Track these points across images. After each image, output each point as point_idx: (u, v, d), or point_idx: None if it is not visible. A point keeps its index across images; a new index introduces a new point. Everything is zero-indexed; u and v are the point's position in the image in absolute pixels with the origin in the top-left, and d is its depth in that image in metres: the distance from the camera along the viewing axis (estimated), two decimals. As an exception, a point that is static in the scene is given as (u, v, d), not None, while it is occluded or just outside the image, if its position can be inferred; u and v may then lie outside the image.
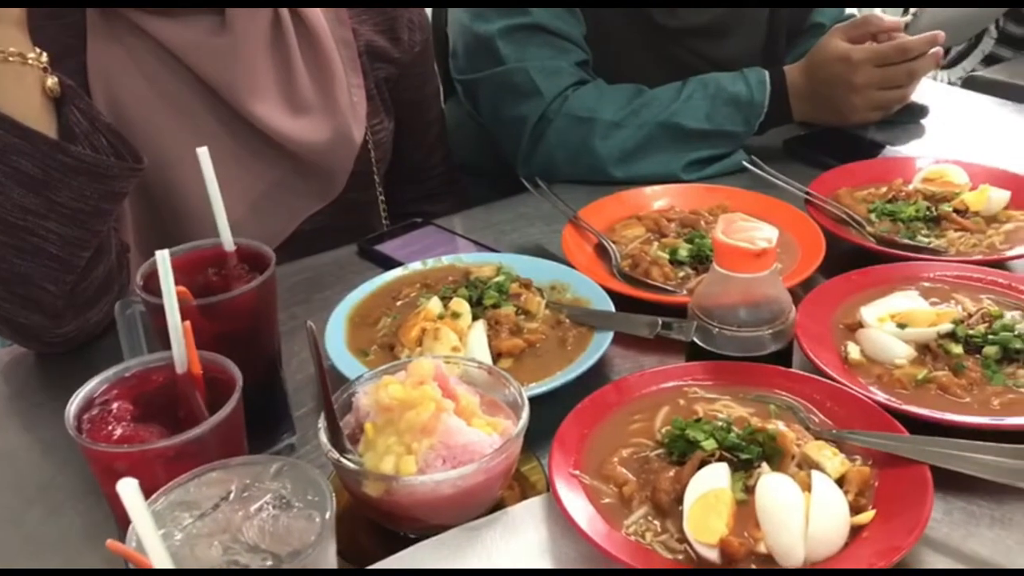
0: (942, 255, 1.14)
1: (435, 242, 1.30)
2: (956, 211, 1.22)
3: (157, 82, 1.19)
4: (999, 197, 1.23)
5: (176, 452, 0.64)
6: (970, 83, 2.00)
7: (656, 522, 0.75)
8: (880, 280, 1.06)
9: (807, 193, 1.26)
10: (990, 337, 0.93)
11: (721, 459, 0.78)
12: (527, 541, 0.75)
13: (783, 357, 0.92)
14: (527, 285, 1.06)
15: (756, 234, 0.87)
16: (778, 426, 0.80)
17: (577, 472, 0.79)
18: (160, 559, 0.51)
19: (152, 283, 0.77)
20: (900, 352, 0.93)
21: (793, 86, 1.48)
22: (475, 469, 0.72)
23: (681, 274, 1.13)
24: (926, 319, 0.96)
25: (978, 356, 0.92)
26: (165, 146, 1.18)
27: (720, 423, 0.81)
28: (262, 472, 0.61)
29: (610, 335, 0.98)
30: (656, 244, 1.19)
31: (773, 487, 0.73)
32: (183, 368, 0.71)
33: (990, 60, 2.54)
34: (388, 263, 1.22)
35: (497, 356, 0.96)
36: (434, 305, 1.00)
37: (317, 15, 1.27)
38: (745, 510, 0.73)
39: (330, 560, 0.59)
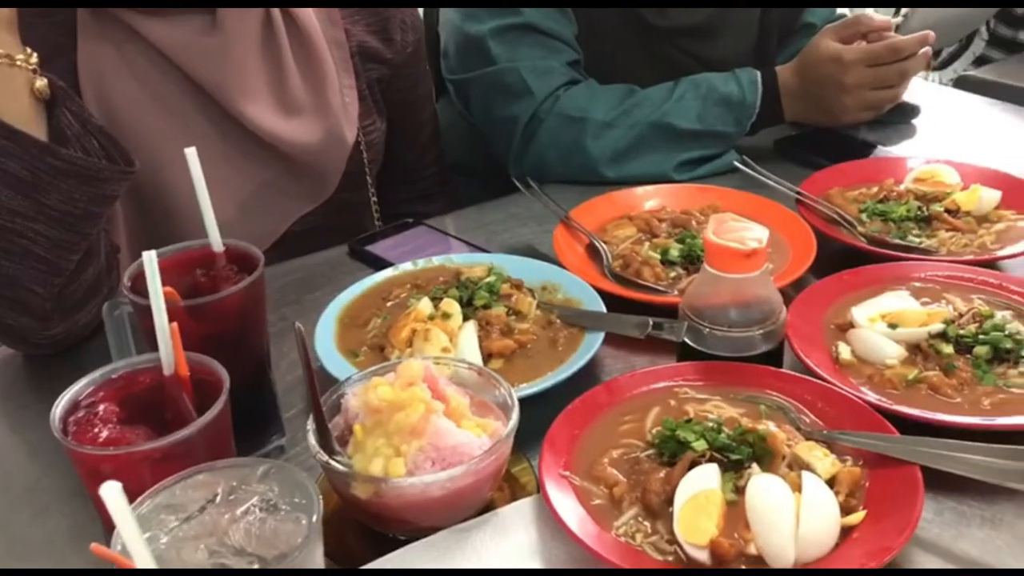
0: (933, 255, 1.14)
1: (426, 242, 1.29)
2: (947, 211, 1.22)
3: (148, 82, 1.18)
4: (990, 197, 1.23)
5: (162, 454, 0.64)
6: (961, 83, 2.00)
7: (646, 523, 0.75)
8: (871, 280, 1.06)
9: (798, 193, 1.26)
10: (981, 337, 0.93)
11: (711, 460, 0.78)
12: (517, 543, 0.75)
13: (774, 357, 0.92)
14: (518, 286, 1.06)
15: (747, 234, 0.87)
16: (768, 427, 0.80)
17: (567, 473, 0.79)
18: (145, 563, 0.51)
19: (140, 284, 0.77)
20: (891, 352, 0.93)
21: (785, 86, 1.48)
22: (464, 471, 0.71)
23: (672, 274, 1.12)
24: (917, 319, 0.96)
25: (969, 356, 0.92)
26: (156, 146, 1.17)
27: (711, 424, 0.81)
28: (249, 475, 0.61)
29: (601, 336, 0.97)
30: (647, 244, 1.19)
31: (763, 488, 0.72)
32: (170, 370, 0.70)
33: (981, 61, 2.55)
34: (379, 263, 1.22)
35: (488, 357, 0.96)
36: (424, 306, 1.00)
37: (309, 15, 1.26)
38: (735, 511, 0.73)
39: (317, 563, 0.58)
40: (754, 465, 0.77)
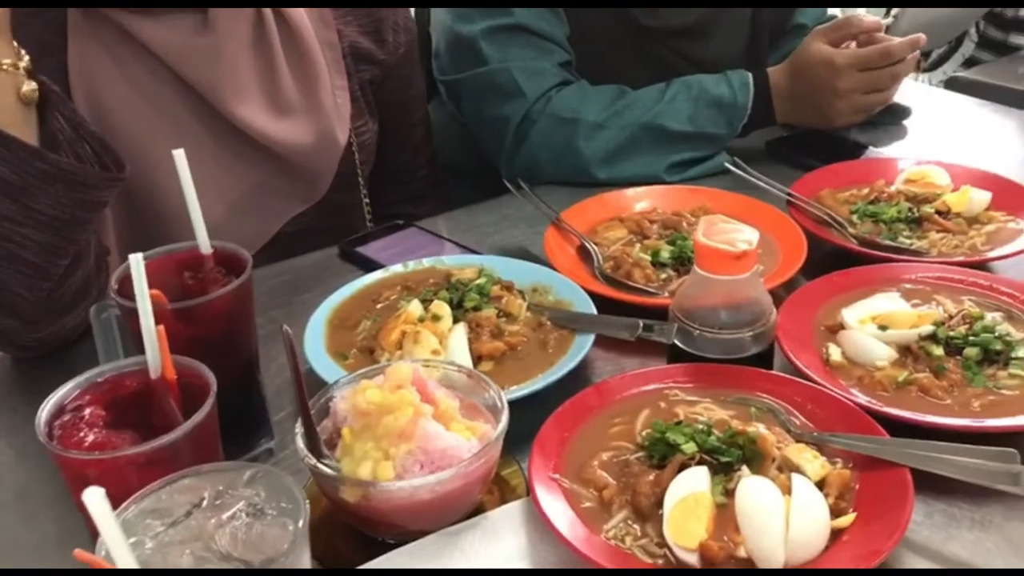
0: (924, 256, 1.14)
1: (416, 244, 1.29)
2: (938, 212, 1.22)
3: (138, 82, 1.17)
4: (980, 198, 1.23)
5: (148, 459, 0.63)
6: (952, 84, 2.01)
7: (636, 526, 0.75)
8: (862, 281, 1.06)
9: (789, 194, 1.26)
10: (971, 339, 0.93)
11: (701, 462, 0.77)
12: (506, 546, 0.74)
13: (764, 359, 0.92)
14: (508, 287, 1.06)
15: (737, 236, 0.87)
16: (758, 429, 0.80)
17: (557, 476, 0.79)
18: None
19: (127, 287, 0.76)
20: (881, 354, 0.93)
21: (776, 88, 1.48)
22: (453, 474, 0.71)
23: (663, 276, 1.12)
24: (907, 321, 0.96)
25: (959, 358, 0.92)
26: (146, 147, 1.17)
27: (700, 426, 0.81)
28: (235, 479, 0.60)
29: (591, 337, 0.97)
30: (638, 246, 1.19)
31: (753, 490, 0.72)
32: (157, 373, 0.70)
33: (970, 63, 2.55)
34: (369, 265, 1.21)
35: (478, 359, 0.96)
36: (414, 308, 0.99)
37: (301, 16, 1.26)
38: (725, 514, 0.73)
39: (303, 568, 0.58)
40: (744, 467, 0.77)
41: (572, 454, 0.82)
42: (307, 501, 0.58)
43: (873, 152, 1.50)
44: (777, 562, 0.69)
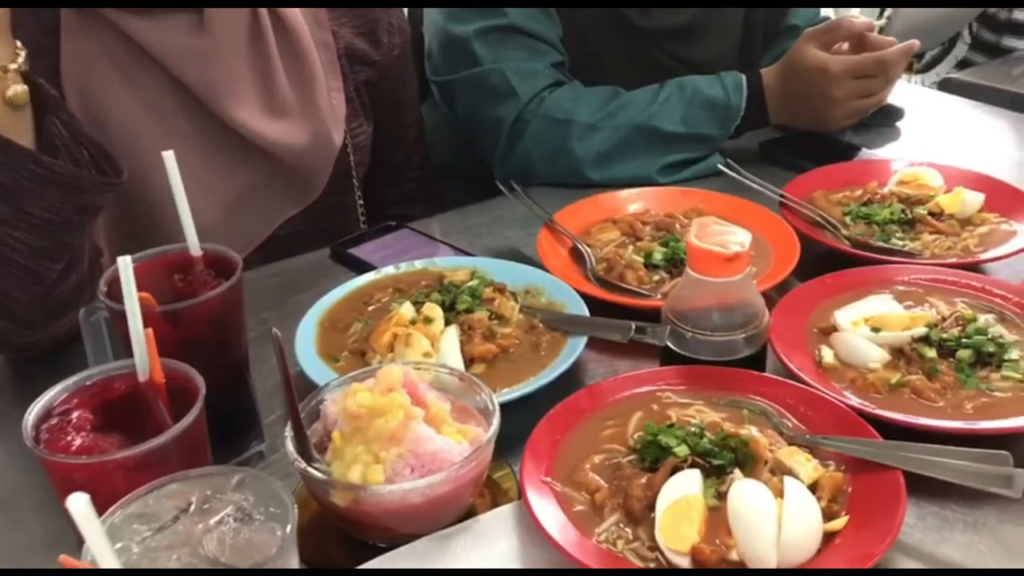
0: (917, 258, 1.14)
1: (409, 245, 1.28)
2: (931, 214, 1.22)
3: (133, 83, 1.17)
4: (973, 200, 1.23)
5: (136, 463, 0.63)
6: (945, 85, 2.01)
7: (628, 530, 0.74)
8: (854, 283, 1.05)
9: (782, 196, 1.26)
10: (963, 341, 0.92)
11: (694, 465, 0.77)
12: (498, 550, 0.74)
13: (756, 361, 0.91)
14: (501, 289, 1.05)
15: (729, 238, 0.87)
16: (751, 431, 0.80)
17: (549, 479, 0.79)
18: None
19: (116, 289, 0.75)
20: (874, 356, 0.93)
21: (770, 89, 1.48)
22: (444, 478, 0.70)
23: (656, 278, 1.12)
24: (900, 323, 0.96)
25: (952, 360, 0.92)
26: (140, 148, 1.16)
27: (693, 428, 0.80)
28: (223, 484, 0.60)
29: (584, 340, 0.97)
30: (631, 248, 1.18)
31: (745, 493, 0.72)
32: (145, 376, 0.69)
33: (963, 65, 2.55)
34: (361, 267, 1.21)
35: (470, 361, 0.95)
36: (406, 310, 0.99)
37: (297, 17, 1.25)
38: (717, 517, 0.72)
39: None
40: (736, 470, 0.76)
41: (564, 457, 0.81)
42: (295, 506, 0.57)
43: (866, 153, 1.50)
44: (769, 565, 0.69)
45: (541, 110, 1.46)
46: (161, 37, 1.15)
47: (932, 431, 0.83)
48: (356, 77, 1.38)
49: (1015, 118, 1.67)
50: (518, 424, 0.81)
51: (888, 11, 2.46)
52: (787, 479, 0.74)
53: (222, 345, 0.85)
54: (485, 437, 0.75)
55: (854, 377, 0.91)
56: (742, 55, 1.69)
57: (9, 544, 0.82)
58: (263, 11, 1.21)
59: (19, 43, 0.96)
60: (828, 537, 0.72)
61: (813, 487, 0.75)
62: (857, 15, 1.52)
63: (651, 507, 0.74)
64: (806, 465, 0.77)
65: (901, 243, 1.18)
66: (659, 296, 1.08)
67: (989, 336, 0.93)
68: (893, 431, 0.81)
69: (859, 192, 1.31)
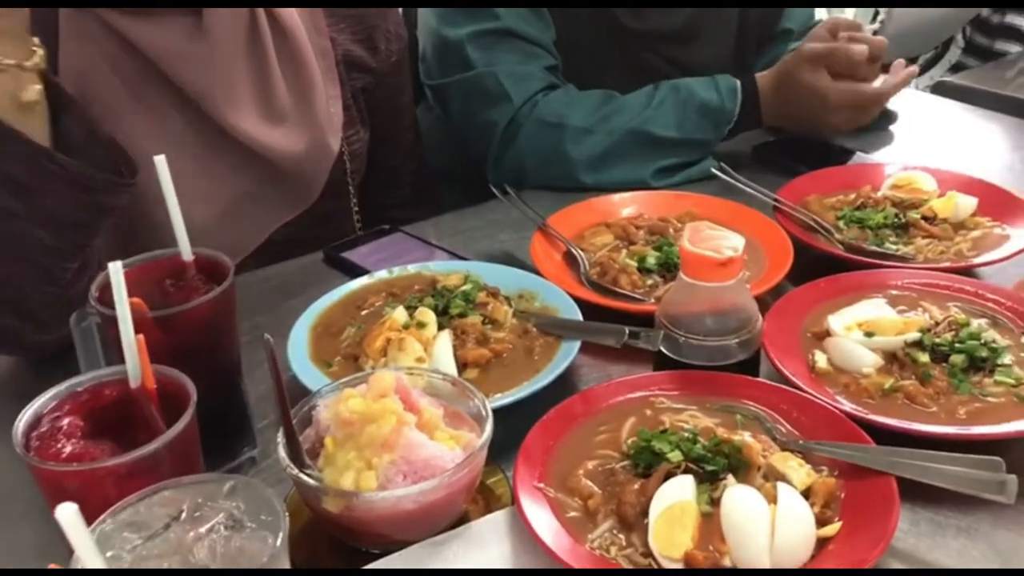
0: (910, 262, 1.14)
1: (402, 249, 1.28)
2: (924, 218, 1.22)
3: (129, 85, 1.16)
4: (966, 204, 1.23)
5: (127, 470, 0.62)
6: (939, 89, 2.01)
7: (621, 536, 0.74)
8: (848, 288, 1.05)
9: (775, 200, 1.26)
10: (957, 345, 0.92)
11: (687, 471, 0.77)
12: (491, 556, 0.74)
13: (750, 366, 0.91)
14: (494, 294, 1.05)
15: (723, 243, 0.87)
16: (744, 437, 0.80)
17: (542, 485, 0.78)
18: (105, 584, 0.50)
19: (107, 294, 0.75)
20: (867, 361, 0.93)
21: (764, 96, 1.48)
22: (436, 484, 0.70)
23: (649, 282, 1.12)
24: (893, 327, 0.96)
25: (945, 365, 0.92)
26: (138, 151, 1.15)
27: (686, 434, 0.80)
28: (215, 491, 0.59)
29: (577, 344, 0.97)
30: (624, 252, 1.18)
31: (738, 499, 0.72)
32: (136, 382, 0.69)
33: (957, 69, 2.56)
34: (354, 271, 1.21)
35: (463, 366, 0.95)
36: (399, 315, 0.99)
37: (296, 22, 1.24)
38: (710, 523, 0.72)
39: (284, 583, 0.57)
40: (729, 476, 0.76)
41: (557, 463, 0.81)
42: (287, 514, 0.57)
43: (860, 157, 1.50)
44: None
45: (534, 114, 1.46)
46: (158, 39, 1.14)
47: (925, 436, 0.83)
48: (354, 84, 1.37)
49: (1008, 122, 1.67)
50: (511, 429, 0.81)
51: (881, 15, 2.47)
52: (780, 485, 0.74)
53: (214, 350, 0.84)
54: (478, 443, 0.74)
55: (847, 382, 0.91)
56: (736, 59, 1.69)
57: (2, 548, 0.82)
58: (262, 15, 1.20)
59: (36, 40, 0.96)
60: (821, 543, 0.72)
61: (806, 493, 0.75)
62: (850, 16, 1.52)
63: (644, 513, 0.74)
64: (799, 471, 0.77)
65: (894, 247, 1.18)
66: (652, 300, 1.08)
67: (982, 341, 0.93)
68: (886, 436, 0.81)
69: (853, 196, 1.31)
